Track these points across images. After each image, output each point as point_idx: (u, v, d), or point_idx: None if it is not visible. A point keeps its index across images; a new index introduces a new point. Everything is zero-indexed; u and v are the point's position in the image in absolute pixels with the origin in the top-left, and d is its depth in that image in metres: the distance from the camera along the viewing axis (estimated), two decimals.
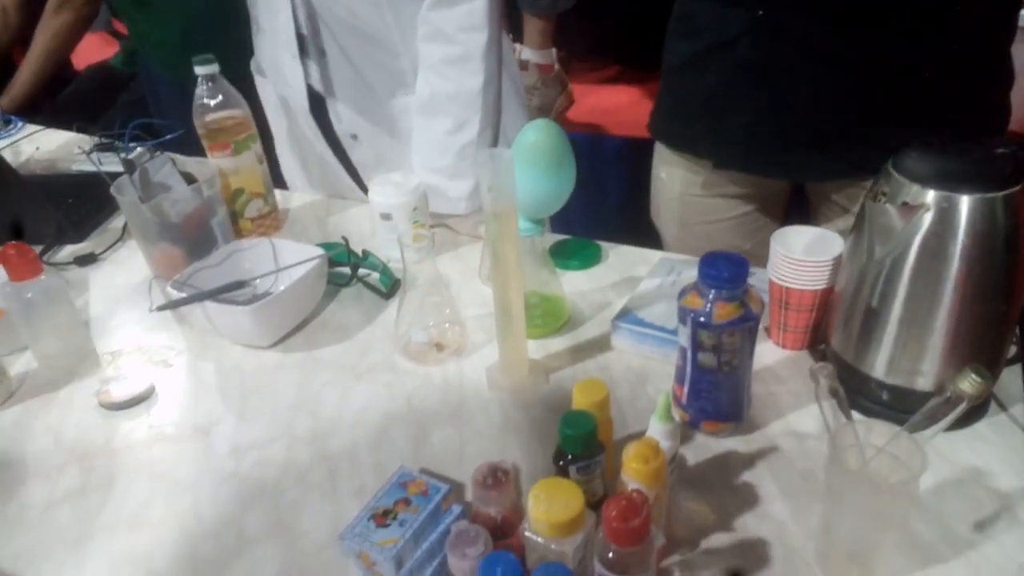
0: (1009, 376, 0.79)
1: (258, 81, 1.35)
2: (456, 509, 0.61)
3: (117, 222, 1.30)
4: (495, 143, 1.20)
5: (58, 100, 2.16)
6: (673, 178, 1.17)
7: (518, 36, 1.24)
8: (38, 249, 1.20)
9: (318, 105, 1.25)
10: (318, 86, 1.22)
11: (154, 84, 1.92)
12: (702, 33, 1.01)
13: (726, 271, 0.68)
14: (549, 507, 0.55)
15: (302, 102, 1.24)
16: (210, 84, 1.12)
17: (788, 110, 0.90)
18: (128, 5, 1.79)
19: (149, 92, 1.97)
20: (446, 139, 1.15)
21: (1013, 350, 0.78)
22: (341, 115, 1.26)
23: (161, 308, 0.93)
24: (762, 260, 0.87)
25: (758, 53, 0.94)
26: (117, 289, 1.12)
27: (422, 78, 1.15)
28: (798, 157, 1.00)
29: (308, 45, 1.19)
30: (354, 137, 1.28)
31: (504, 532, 0.59)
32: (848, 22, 0.90)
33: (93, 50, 2.36)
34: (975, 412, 0.76)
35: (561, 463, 0.65)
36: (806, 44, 0.92)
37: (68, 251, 1.23)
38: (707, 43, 1.01)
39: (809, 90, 0.94)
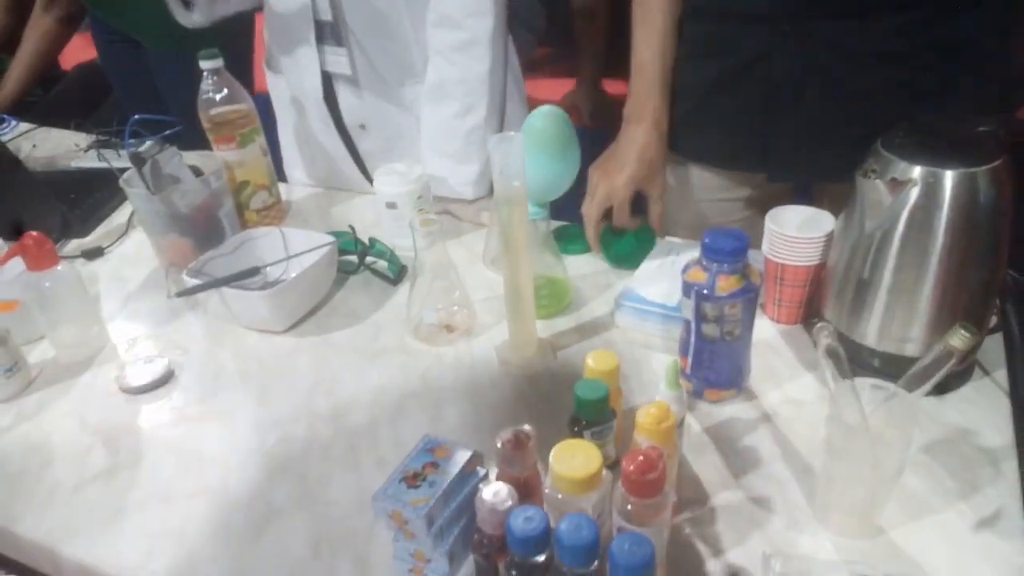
0: (991, 343, 0.84)
1: (269, 77, 1.37)
2: (481, 471, 0.64)
3: (120, 217, 1.32)
4: (500, 129, 1.22)
5: (48, 98, 2.16)
6: (679, 184, 1.18)
7: (513, 30, 1.26)
8: None
9: (328, 95, 1.28)
10: (342, 69, 1.23)
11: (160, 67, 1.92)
12: (731, 52, 1.01)
13: (728, 246, 0.72)
14: (570, 465, 0.59)
15: (316, 90, 1.26)
16: (215, 78, 1.14)
17: (833, 113, 0.91)
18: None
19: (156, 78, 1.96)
20: (453, 123, 1.17)
21: (995, 320, 0.83)
22: (351, 104, 1.28)
23: (180, 294, 0.95)
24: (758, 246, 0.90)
25: (793, 65, 0.94)
26: (126, 281, 1.14)
27: (431, 65, 1.18)
28: (848, 156, 1.00)
29: (327, 32, 1.21)
30: (362, 127, 1.30)
31: (527, 493, 0.62)
32: (874, 17, 0.90)
33: (80, 51, 2.37)
34: (961, 377, 0.80)
35: (576, 428, 0.69)
36: (836, 47, 0.93)
37: (74, 245, 1.24)
38: (738, 61, 1.00)
39: (849, 90, 0.95)
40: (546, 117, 0.87)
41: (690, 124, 1.10)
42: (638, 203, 1.04)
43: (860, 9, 0.90)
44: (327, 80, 1.26)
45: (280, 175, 1.48)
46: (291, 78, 1.31)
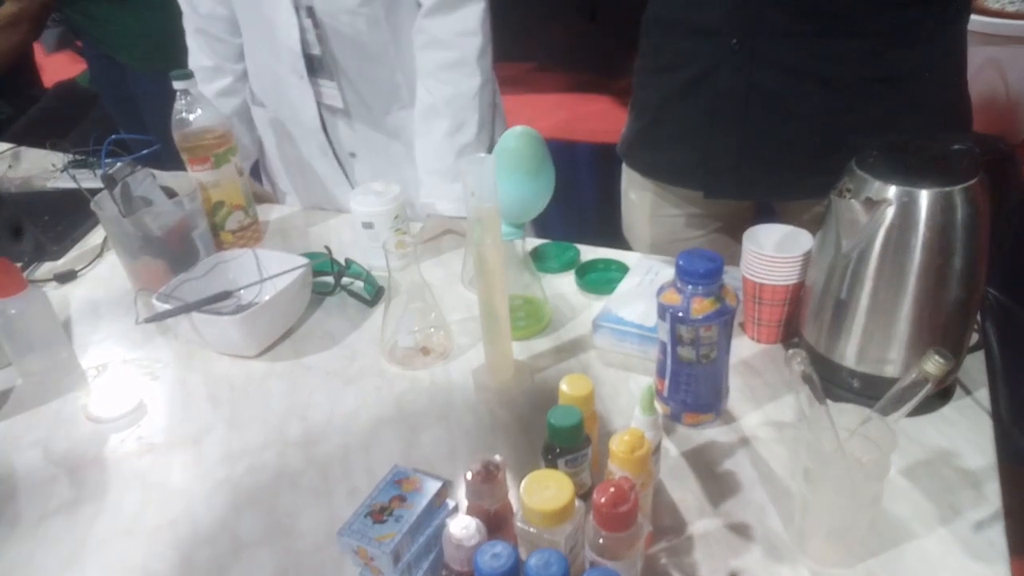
0: (972, 362, 0.83)
1: (254, 111, 1.37)
2: (450, 504, 0.63)
3: (95, 238, 1.30)
4: (491, 147, 1.22)
5: (27, 117, 2.14)
6: (644, 200, 1.18)
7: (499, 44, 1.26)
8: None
9: (322, 125, 1.28)
10: (333, 102, 1.24)
11: (137, 87, 1.90)
12: (678, 67, 1.01)
13: (702, 268, 0.71)
14: (541, 498, 0.57)
15: (314, 121, 1.27)
16: (188, 98, 1.13)
17: (774, 133, 0.92)
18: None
19: (132, 96, 1.94)
20: (445, 141, 1.18)
21: (976, 338, 0.82)
22: (343, 134, 1.29)
23: (148, 320, 0.93)
24: (732, 263, 0.90)
25: (738, 80, 0.95)
26: (98, 304, 1.12)
27: (420, 87, 1.19)
28: (786, 178, 1.00)
29: (316, 65, 1.21)
30: (352, 155, 1.31)
31: (497, 525, 0.61)
32: (822, 42, 0.91)
33: (60, 68, 2.35)
34: (942, 397, 0.79)
35: (550, 456, 0.67)
36: (782, 67, 0.93)
37: (47, 268, 1.22)
38: (686, 76, 1.00)
39: (791, 111, 0.95)
40: (519, 137, 0.86)
41: (646, 139, 1.11)
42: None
43: (807, 31, 0.90)
44: (319, 111, 1.27)
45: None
46: (283, 111, 1.31)
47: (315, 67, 1.22)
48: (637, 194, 1.19)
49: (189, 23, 1.29)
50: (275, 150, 1.40)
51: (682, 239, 1.18)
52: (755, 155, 0.97)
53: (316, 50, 1.19)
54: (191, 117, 1.13)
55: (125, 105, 1.92)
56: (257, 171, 1.48)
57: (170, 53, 1.27)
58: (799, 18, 0.88)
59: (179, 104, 1.13)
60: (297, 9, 1.16)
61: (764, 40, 0.90)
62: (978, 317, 0.80)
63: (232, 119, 1.32)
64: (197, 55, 1.30)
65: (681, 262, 0.72)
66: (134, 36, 1.81)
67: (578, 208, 1.60)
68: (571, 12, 1.75)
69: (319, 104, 1.26)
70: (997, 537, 0.65)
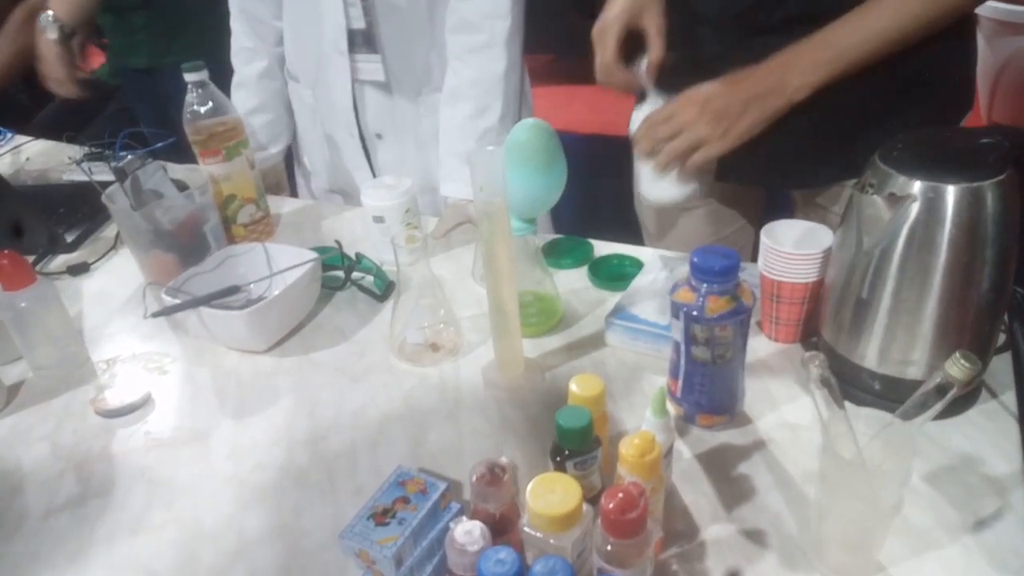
0: (999, 364, 0.80)
1: (292, 88, 1.37)
2: (455, 507, 0.61)
3: (109, 231, 1.30)
4: None
5: (46, 111, 2.15)
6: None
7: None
8: (31, 259, 1.20)
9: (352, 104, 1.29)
10: (375, 76, 1.24)
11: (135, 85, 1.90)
12: (695, 46, 0.99)
13: (717, 265, 0.69)
14: (547, 502, 0.56)
15: (345, 101, 1.27)
16: (200, 91, 1.12)
17: (779, 121, 0.90)
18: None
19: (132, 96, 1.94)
20: (467, 123, 1.17)
21: (1003, 338, 0.79)
22: (373, 112, 1.29)
23: (156, 315, 0.93)
24: (742, 249, 0.88)
25: (738, 70, 0.92)
26: (111, 298, 1.12)
27: (449, 70, 1.19)
28: (791, 166, 0.99)
29: (358, 40, 1.21)
30: (379, 136, 1.31)
31: (503, 529, 0.59)
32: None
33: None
34: (966, 399, 0.76)
35: (558, 458, 0.65)
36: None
37: (61, 260, 1.22)
38: (693, 58, 0.98)
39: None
40: (530, 130, 0.84)
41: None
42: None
43: (806, 30, 0.87)
44: (351, 88, 1.27)
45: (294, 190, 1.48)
46: (318, 88, 1.31)
47: (357, 42, 1.22)
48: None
49: (233, 4, 1.31)
50: (307, 130, 1.40)
51: (705, 236, 1.16)
52: (759, 142, 0.95)
53: (361, 24, 1.20)
54: (202, 110, 1.12)
55: (152, 100, 1.91)
56: (289, 156, 1.48)
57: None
58: (796, 16, 0.87)
59: (190, 97, 1.12)
60: None
61: (757, 35, 0.89)
62: (1005, 317, 0.77)
63: (270, 101, 1.35)
64: (239, 36, 1.33)
65: (695, 259, 0.70)
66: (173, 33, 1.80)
67: (594, 203, 1.57)
68: (585, 3, 1.72)
69: (354, 82, 1.26)
70: (1023, 546, 0.63)
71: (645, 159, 0.93)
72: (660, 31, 0.92)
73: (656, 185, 0.95)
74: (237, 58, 1.35)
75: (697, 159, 0.90)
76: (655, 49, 0.92)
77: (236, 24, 1.33)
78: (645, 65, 0.93)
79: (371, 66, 1.24)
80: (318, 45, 1.25)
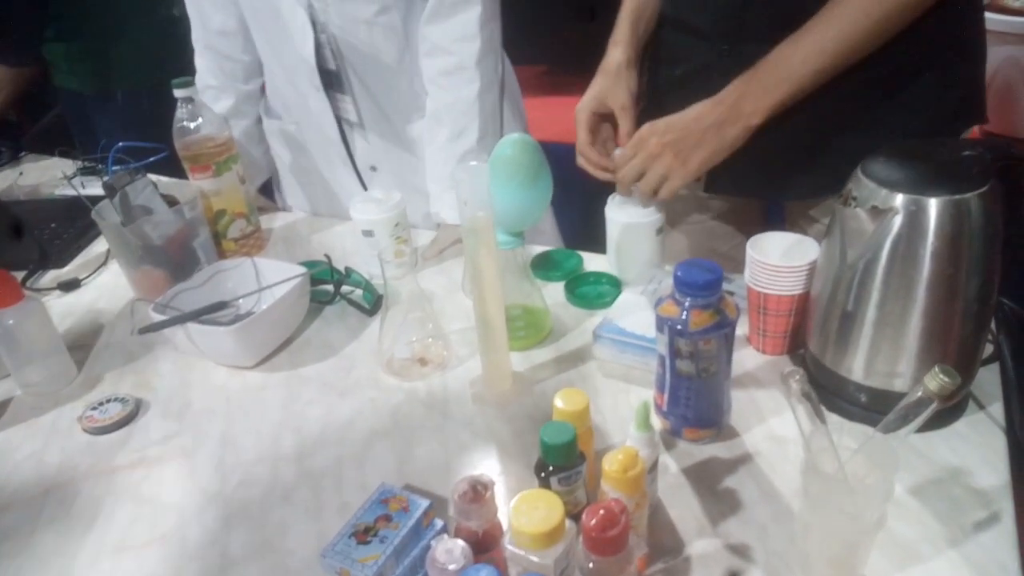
0: (986, 375, 0.80)
1: (266, 123, 1.36)
2: (438, 524, 0.61)
3: (100, 246, 1.30)
4: None
5: (40, 125, 2.15)
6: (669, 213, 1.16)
7: (512, 48, 1.24)
8: (21, 276, 1.20)
9: (342, 137, 1.28)
10: (349, 115, 1.24)
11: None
12: (674, 62, 1.02)
13: (700, 279, 0.69)
14: (529, 519, 0.55)
15: (333, 134, 1.26)
16: (189, 106, 1.12)
17: (767, 133, 0.91)
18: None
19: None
20: (447, 147, 1.17)
21: (990, 349, 0.79)
22: (362, 147, 1.29)
23: (143, 331, 0.93)
24: (739, 264, 0.88)
25: (728, 81, 0.92)
26: (101, 313, 1.12)
27: (428, 96, 1.18)
28: (782, 178, 1.00)
29: (332, 80, 1.21)
30: (373, 168, 1.31)
31: (487, 546, 0.59)
32: None
33: None
34: (953, 411, 0.76)
35: (543, 474, 0.65)
36: None
37: (51, 276, 1.22)
38: (680, 72, 1.01)
39: (784, 112, 0.92)
40: (515, 145, 0.84)
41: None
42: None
43: (781, 36, 0.87)
44: (338, 123, 1.27)
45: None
46: (303, 122, 1.31)
47: (331, 81, 1.21)
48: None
49: (198, 41, 1.28)
50: (291, 164, 1.39)
51: (706, 251, 1.16)
52: (750, 154, 0.95)
53: (332, 65, 1.19)
54: (192, 125, 1.13)
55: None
56: (268, 189, 1.47)
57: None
58: (786, 25, 0.86)
59: (180, 112, 1.12)
60: (313, 24, 1.15)
61: (753, 46, 0.88)
62: (992, 328, 0.77)
63: (241, 140, 1.30)
64: (204, 74, 1.30)
65: (679, 273, 0.70)
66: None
67: (591, 212, 1.57)
68: (572, 15, 1.73)
69: (338, 117, 1.25)
70: (1010, 560, 0.62)
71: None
72: (626, 108, 0.97)
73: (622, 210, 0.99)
74: (202, 96, 1.30)
75: (663, 194, 0.94)
76: (624, 123, 0.98)
77: (201, 61, 1.29)
78: (619, 152, 0.97)
79: (345, 106, 1.24)
80: (295, 82, 1.24)
